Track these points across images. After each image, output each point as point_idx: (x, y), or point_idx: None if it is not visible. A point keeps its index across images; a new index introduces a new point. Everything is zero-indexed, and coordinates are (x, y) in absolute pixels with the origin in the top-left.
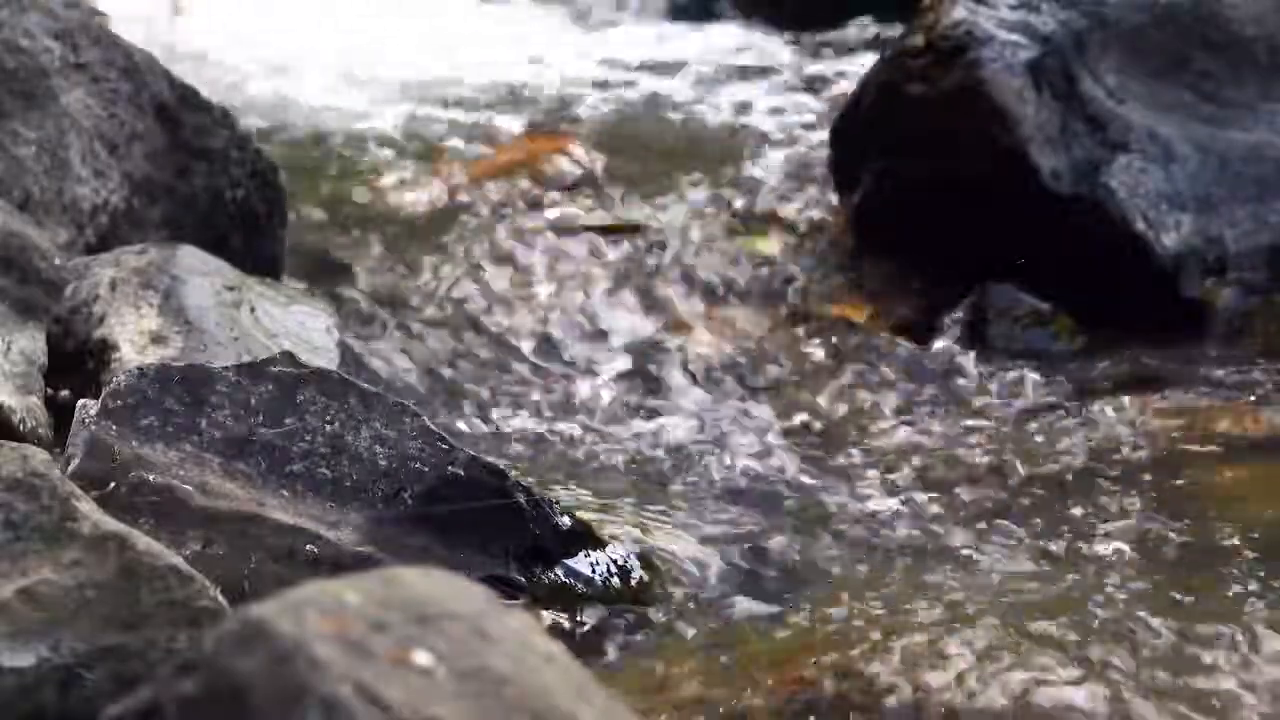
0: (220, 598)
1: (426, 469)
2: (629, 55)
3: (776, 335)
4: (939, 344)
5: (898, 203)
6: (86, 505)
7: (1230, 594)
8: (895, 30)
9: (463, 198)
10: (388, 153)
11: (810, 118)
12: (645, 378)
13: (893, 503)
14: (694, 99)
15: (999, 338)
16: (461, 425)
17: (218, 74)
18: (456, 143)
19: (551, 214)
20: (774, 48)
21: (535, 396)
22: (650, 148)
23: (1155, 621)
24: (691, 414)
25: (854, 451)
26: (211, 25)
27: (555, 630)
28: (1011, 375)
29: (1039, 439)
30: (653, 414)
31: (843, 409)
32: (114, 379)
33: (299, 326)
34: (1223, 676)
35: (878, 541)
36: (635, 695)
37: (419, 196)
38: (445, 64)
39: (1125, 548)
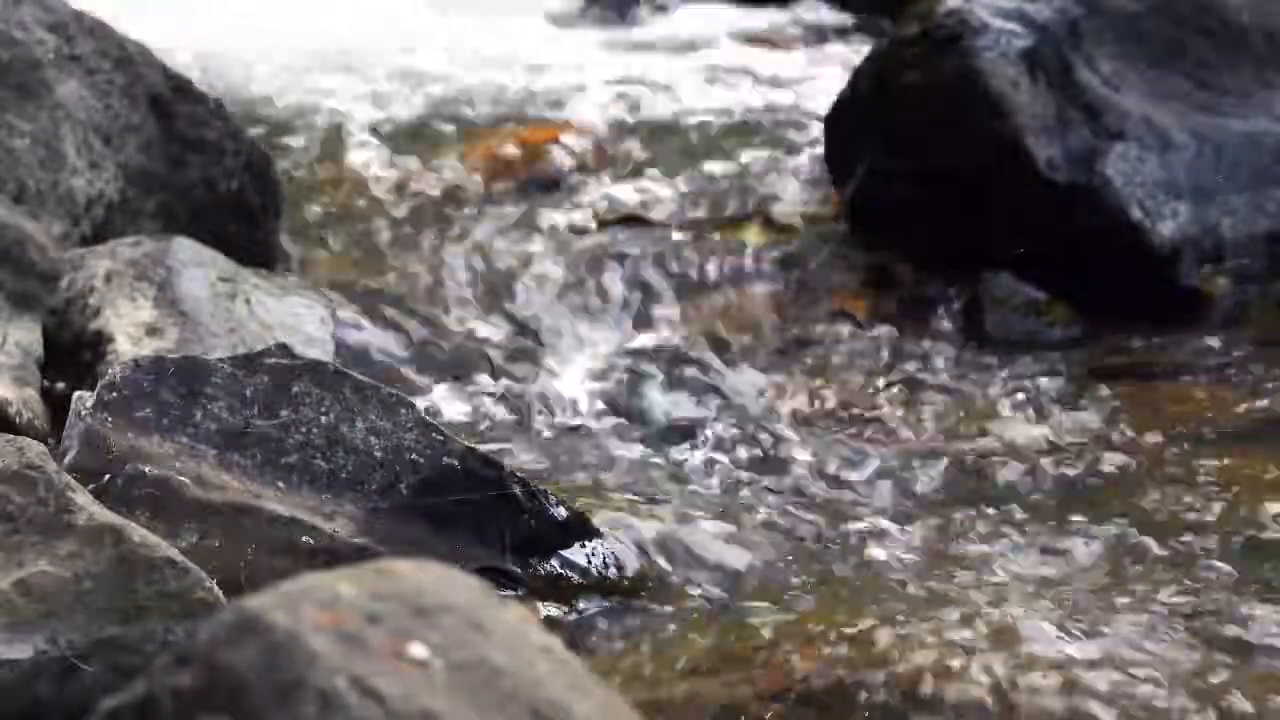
0: (217, 589)
1: (422, 460)
2: (621, 45)
3: (773, 327)
4: (936, 334)
5: (893, 192)
6: (83, 497)
7: (1227, 579)
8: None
9: (457, 188)
10: (383, 144)
11: (806, 107)
12: (640, 368)
13: (890, 494)
14: (688, 88)
15: (996, 326)
16: (457, 416)
17: (211, 64)
18: (451, 134)
19: (545, 205)
20: (770, 33)
21: (530, 387)
22: (644, 138)
23: (1153, 609)
24: (687, 406)
25: (851, 442)
26: (204, 14)
27: (551, 622)
28: (1008, 364)
29: (1036, 428)
30: (649, 405)
31: (839, 400)
32: (109, 371)
33: (294, 318)
34: (1218, 661)
35: (875, 534)
36: (631, 687)
37: (414, 187)
38: (440, 56)
39: (1122, 535)
